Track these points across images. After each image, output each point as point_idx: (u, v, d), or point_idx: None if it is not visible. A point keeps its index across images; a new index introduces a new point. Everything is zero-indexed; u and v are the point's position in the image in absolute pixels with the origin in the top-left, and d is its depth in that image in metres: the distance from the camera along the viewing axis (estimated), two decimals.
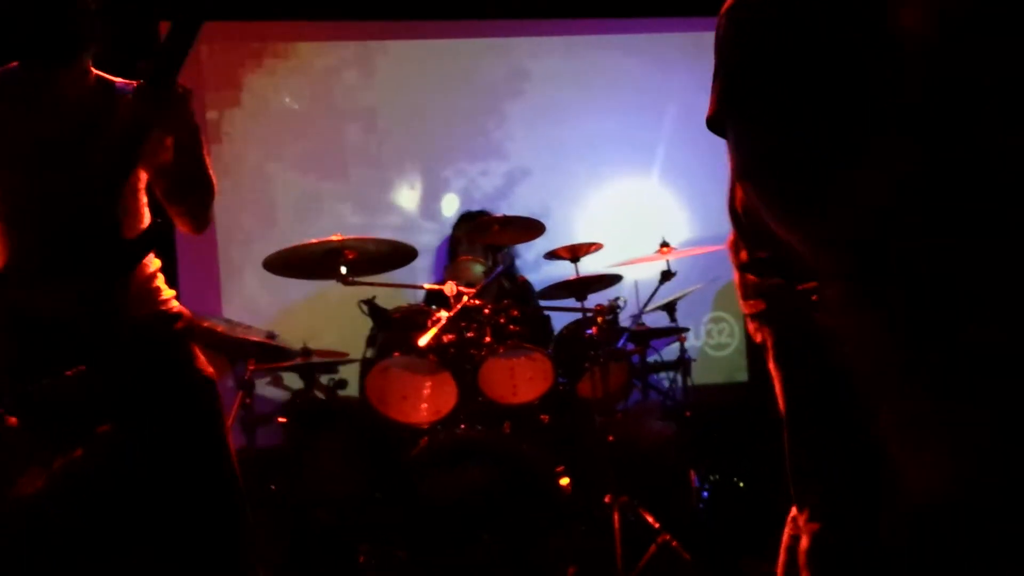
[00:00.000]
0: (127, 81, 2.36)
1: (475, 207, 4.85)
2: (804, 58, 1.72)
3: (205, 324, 4.01)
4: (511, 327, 3.74)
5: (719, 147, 1.89)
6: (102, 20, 2.27)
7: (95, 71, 2.35)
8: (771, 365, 1.94)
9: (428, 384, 3.65)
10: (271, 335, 4.11)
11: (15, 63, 2.31)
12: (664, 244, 4.03)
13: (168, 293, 2.42)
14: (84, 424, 1.05)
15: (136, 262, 2.25)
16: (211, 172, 2.36)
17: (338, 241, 3.65)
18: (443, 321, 3.62)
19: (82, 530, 1.83)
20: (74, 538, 1.81)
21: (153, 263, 2.40)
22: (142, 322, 2.26)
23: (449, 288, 3.73)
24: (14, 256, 2.25)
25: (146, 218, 2.40)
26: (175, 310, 2.39)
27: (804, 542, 1.87)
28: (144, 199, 2.40)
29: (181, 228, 2.42)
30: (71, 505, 1.21)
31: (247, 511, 2.49)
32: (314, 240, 3.68)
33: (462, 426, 3.57)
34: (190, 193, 2.35)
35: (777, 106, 1.73)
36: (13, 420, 1.05)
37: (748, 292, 1.96)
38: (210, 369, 2.42)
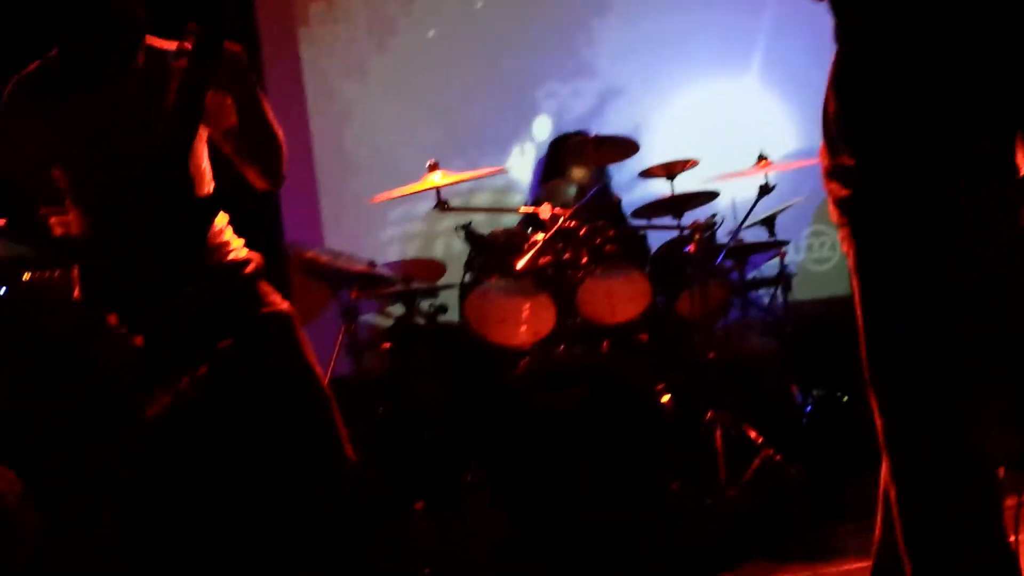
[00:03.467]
0: (175, 43, 2.34)
1: (568, 129, 4.81)
2: None
3: (308, 255, 4.11)
4: (607, 247, 3.73)
5: (827, 39, 1.81)
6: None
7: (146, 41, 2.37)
8: (853, 280, 1.86)
9: (526, 306, 3.68)
10: (372, 264, 4.19)
11: (55, 51, 2.36)
12: (762, 157, 3.94)
13: (236, 243, 2.49)
14: (204, 341, 1.11)
15: (207, 225, 2.32)
16: (276, 128, 2.39)
17: (436, 184, 3.69)
18: (539, 243, 3.63)
19: (204, 449, 1.94)
20: (196, 456, 1.92)
21: (219, 219, 2.47)
22: (212, 274, 2.34)
23: (544, 210, 3.74)
24: (92, 228, 2.34)
25: (209, 181, 2.46)
26: (243, 257, 2.46)
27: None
28: (206, 163, 2.44)
29: (257, 186, 2.47)
30: (198, 423, 1.28)
31: (340, 435, 2.57)
32: (415, 186, 3.73)
33: (561, 347, 3.60)
34: (258, 151, 2.39)
35: None
36: (139, 340, 1.10)
37: (833, 202, 1.89)
38: (284, 304, 2.49)
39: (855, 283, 1.82)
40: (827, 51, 1.84)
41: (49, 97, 2.32)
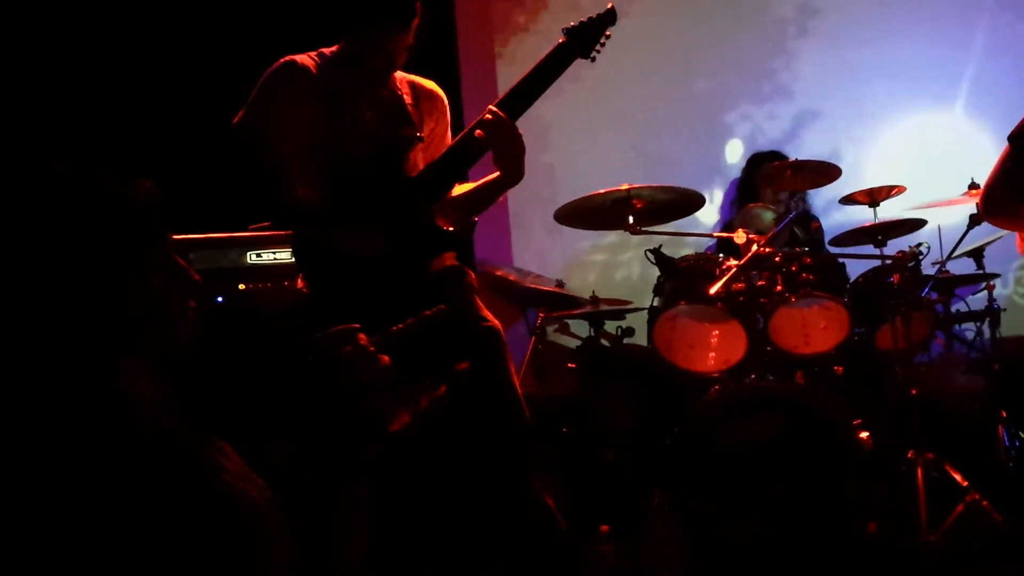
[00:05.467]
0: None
1: (760, 151, 4.71)
2: None
3: (498, 273, 4.18)
4: (804, 275, 3.63)
5: None
6: None
7: None
8: None
9: (716, 333, 3.63)
10: (560, 284, 4.22)
11: (334, 47, 2.62)
12: (973, 186, 3.74)
13: (449, 254, 2.62)
14: (440, 359, 1.16)
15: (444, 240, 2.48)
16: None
17: (626, 190, 3.68)
18: (733, 269, 3.57)
19: (440, 464, 2.01)
20: (433, 471, 1.99)
21: None
22: (439, 273, 2.46)
23: (739, 236, 3.67)
24: (331, 199, 2.49)
25: None
26: (460, 266, 2.57)
27: None
28: None
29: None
30: (437, 441, 1.32)
31: (533, 448, 2.61)
32: (603, 191, 3.72)
33: (752, 376, 3.52)
34: (468, 216, 2.57)
35: None
36: (386, 359, 1.14)
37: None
38: (496, 321, 2.56)
39: None
40: None
41: (332, 86, 2.56)
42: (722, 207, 4.85)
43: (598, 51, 2.54)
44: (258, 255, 3.47)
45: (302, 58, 2.58)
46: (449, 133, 2.72)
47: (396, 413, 1.15)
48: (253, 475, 1.15)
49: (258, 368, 2.07)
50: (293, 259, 2.68)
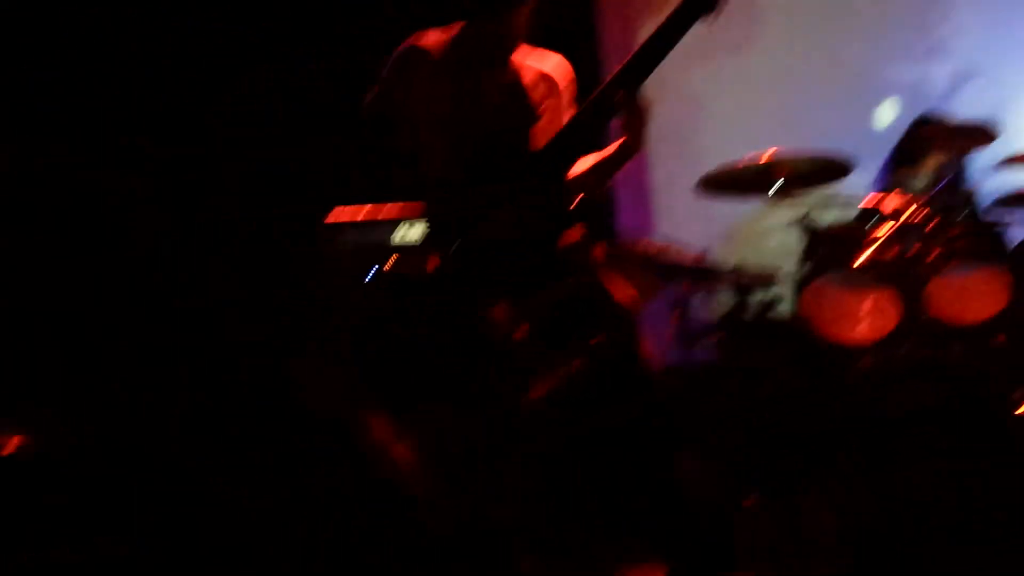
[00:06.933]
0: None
1: (915, 115, 4.54)
2: None
3: (641, 244, 4.18)
4: (959, 242, 3.50)
5: None
6: None
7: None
8: None
9: (867, 302, 3.55)
10: (703, 254, 4.18)
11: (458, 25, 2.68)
12: None
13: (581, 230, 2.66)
14: (581, 333, 1.18)
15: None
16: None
17: (771, 157, 3.62)
18: (883, 237, 3.48)
19: (575, 435, 2.06)
20: (568, 442, 2.04)
21: None
22: (568, 247, 2.50)
23: (889, 202, 3.57)
24: (457, 177, 2.56)
25: None
26: (591, 240, 2.60)
27: None
28: None
29: None
30: (571, 412, 1.36)
31: (676, 419, 2.62)
32: (747, 158, 3.67)
33: (906, 346, 3.43)
34: (594, 188, 2.57)
35: None
36: (532, 326, 1.19)
37: None
38: (627, 296, 2.58)
39: None
40: None
41: (453, 65, 2.65)
42: (879, 173, 4.69)
43: (720, 7, 2.49)
44: (406, 229, 3.57)
45: (427, 37, 2.68)
46: (564, 109, 2.74)
47: (542, 378, 1.19)
48: (406, 433, 1.21)
49: (412, 338, 2.16)
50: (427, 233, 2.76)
